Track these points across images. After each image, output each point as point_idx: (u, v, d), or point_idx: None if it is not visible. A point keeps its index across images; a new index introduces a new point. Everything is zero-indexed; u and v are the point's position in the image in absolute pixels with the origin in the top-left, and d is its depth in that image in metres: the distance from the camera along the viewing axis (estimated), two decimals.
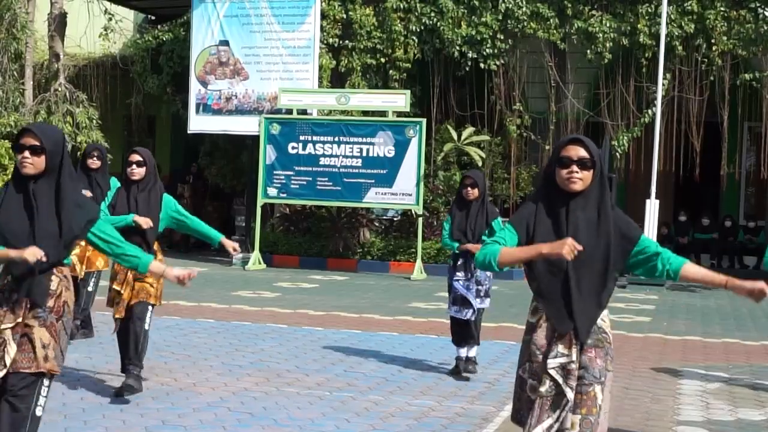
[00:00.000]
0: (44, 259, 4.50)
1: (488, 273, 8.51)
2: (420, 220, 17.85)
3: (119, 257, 4.93)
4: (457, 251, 8.55)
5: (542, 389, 4.20)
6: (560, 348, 4.21)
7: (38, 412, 4.63)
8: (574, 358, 4.20)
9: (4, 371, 4.53)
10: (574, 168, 4.16)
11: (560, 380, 4.17)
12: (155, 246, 7.47)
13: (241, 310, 12.52)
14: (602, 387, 4.23)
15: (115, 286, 7.41)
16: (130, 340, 7.38)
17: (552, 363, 4.19)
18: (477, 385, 8.34)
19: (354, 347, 9.97)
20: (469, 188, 8.50)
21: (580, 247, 4.01)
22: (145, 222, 7.25)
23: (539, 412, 4.19)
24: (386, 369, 8.88)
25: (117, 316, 7.42)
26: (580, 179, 4.17)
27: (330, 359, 9.27)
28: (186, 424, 6.67)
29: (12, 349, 4.54)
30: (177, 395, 7.53)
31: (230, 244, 7.54)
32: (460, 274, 8.57)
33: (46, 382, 4.64)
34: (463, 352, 8.75)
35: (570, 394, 4.16)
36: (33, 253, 4.47)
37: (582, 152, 4.18)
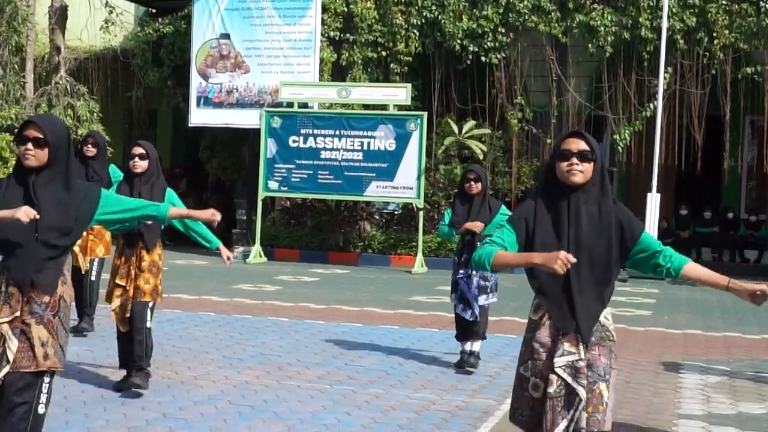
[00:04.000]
0: (37, 217, 4.37)
1: None
2: (421, 213, 17.84)
3: (138, 220, 5.21)
4: (456, 234, 8.57)
5: (551, 389, 4.12)
6: (566, 346, 4.16)
7: (40, 409, 4.54)
8: (582, 356, 4.15)
9: (8, 368, 4.45)
10: (574, 160, 4.13)
11: (569, 379, 4.11)
12: (157, 243, 7.37)
13: (242, 303, 12.52)
14: (607, 384, 4.18)
15: (118, 281, 7.36)
16: (135, 342, 7.27)
17: (559, 362, 4.14)
18: (478, 378, 8.34)
19: (355, 341, 9.97)
20: (472, 182, 8.48)
21: (573, 260, 3.96)
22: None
23: (552, 415, 4.11)
24: (387, 362, 8.89)
25: (122, 330, 7.37)
26: (581, 171, 4.14)
27: (331, 352, 9.27)
28: (187, 417, 6.67)
29: (14, 345, 4.46)
30: (178, 388, 7.53)
31: (226, 253, 7.26)
32: (463, 271, 8.53)
33: (46, 379, 4.55)
34: (467, 346, 8.75)
35: (583, 393, 4.10)
36: (26, 213, 4.34)
37: (582, 145, 4.16)
